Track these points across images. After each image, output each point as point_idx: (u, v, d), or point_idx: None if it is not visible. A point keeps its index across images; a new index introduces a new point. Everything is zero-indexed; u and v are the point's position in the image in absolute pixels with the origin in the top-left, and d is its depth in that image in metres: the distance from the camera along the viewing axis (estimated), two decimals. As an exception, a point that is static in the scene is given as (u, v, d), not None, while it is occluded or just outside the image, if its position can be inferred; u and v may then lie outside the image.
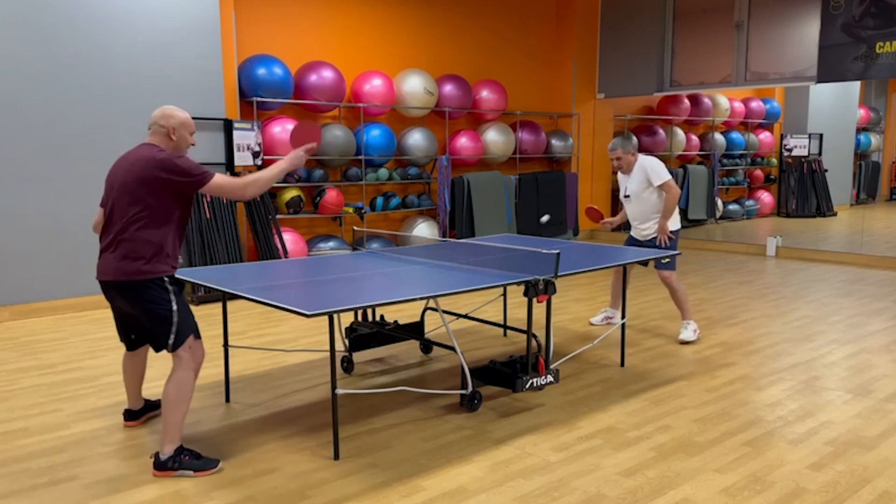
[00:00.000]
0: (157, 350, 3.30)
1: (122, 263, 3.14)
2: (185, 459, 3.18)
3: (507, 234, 7.24)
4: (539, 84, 10.75)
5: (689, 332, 5.37)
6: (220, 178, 3.26)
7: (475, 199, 9.22)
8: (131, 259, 3.14)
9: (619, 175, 5.52)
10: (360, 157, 8.24)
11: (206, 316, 6.22)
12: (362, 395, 4.17)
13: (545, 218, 5.45)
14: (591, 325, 5.96)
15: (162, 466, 3.16)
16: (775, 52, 9.25)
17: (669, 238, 5.32)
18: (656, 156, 10.91)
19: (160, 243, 3.18)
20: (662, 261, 5.17)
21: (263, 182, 3.35)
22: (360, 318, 4.73)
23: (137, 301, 3.19)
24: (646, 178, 5.25)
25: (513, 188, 9.74)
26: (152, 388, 4.32)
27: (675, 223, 5.38)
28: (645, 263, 5.01)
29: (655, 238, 5.36)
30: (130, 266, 3.14)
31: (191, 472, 3.16)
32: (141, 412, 3.80)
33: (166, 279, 3.22)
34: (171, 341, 3.21)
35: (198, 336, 3.31)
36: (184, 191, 3.21)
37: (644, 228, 5.40)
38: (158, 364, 4.80)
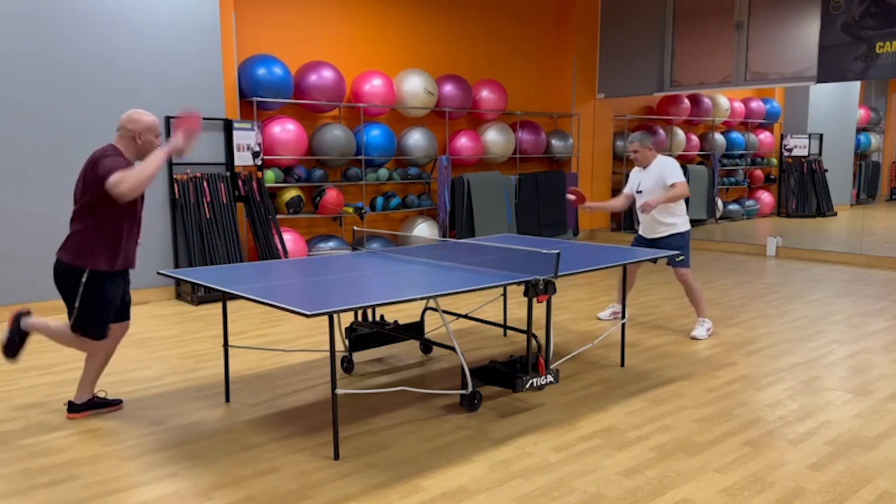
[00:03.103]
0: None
1: (70, 248, 3.59)
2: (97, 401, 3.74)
3: (507, 234, 7.24)
4: (539, 84, 10.74)
5: (702, 329, 5.45)
6: (113, 177, 3.41)
7: (475, 199, 9.22)
8: (78, 247, 3.57)
9: (634, 171, 5.58)
10: (360, 157, 8.24)
11: (206, 316, 6.22)
12: (362, 395, 4.17)
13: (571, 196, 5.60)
14: (599, 319, 6.05)
15: (75, 409, 3.76)
16: (775, 52, 9.25)
17: (677, 235, 5.40)
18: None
19: (93, 243, 3.54)
20: (676, 258, 5.21)
21: (136, 177, 3.42)
22: (360, 318, 4.73)
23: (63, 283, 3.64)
24: (661, 176, 5.30)
25: (513, 188, 9.74)
26: (152, 388, 4.32)
27: (684, 224, 5.45)
28: (654, 261, 5.04)
29: (666, 238, 5.41)
30: (75, 252, 3.58)
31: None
32: (84, 406, 3.90)
33: (86, 272, 3.56)
34: (70, 322, 3.66)
35: (91, 337, 3.70)
36: (100, 191, 3.46)
37: (654, 230, 5.44)
38: (157, 365, 4.80)
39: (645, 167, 5.43)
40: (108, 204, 3.49)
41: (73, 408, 3.85)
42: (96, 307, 3.62)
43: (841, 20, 8.39)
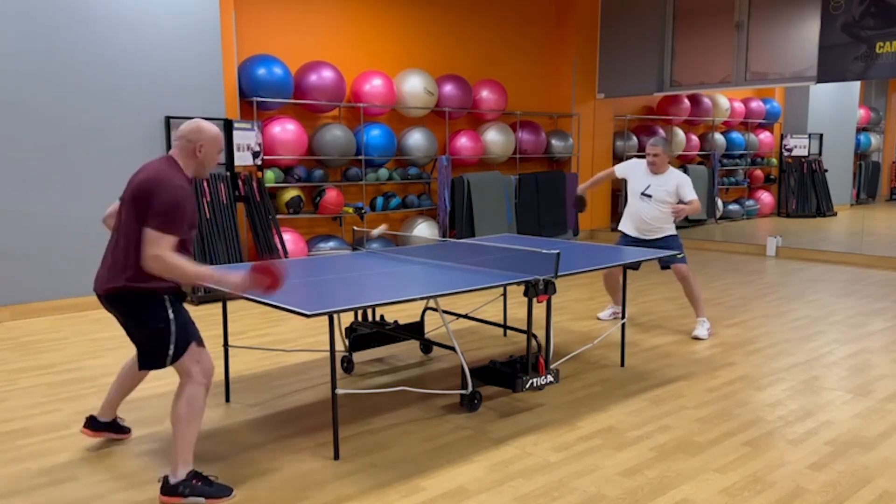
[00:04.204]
0: (144, 367, 3.04)
1: (112, 273, 2.93)
2: (197, 485, 2.93)
3: (507, 234, 7.24)
4: (539, 84, 10.74)
5: (702, 329, 5.48)
6: (153, 245, 2.78)
7: (475, 199, 9.22)
8: (120, 270, 2.91)
9: (640, 170, 5.54)
10: (360, 157, 8.24)
11: (206, 316, 6.22)
12: (362, 395, 4.17)
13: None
14: (599, 319, 6.07)
15: (171, 491, 2.91)
16: (775, 52, 9.25)
17: (673, 237, 5.54)
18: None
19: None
20: (677, 256, 5.25)
21: (175, 276, 2.84)
22: (360, 318, 4.72)
23: (129, 312, 2.97)
24: (676, 190, 5.38)
25: (513, 188, 9.74)
26: (152, 388, 4.32)
27: (674, 226, 5.58)
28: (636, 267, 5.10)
29: (664, 238, 5.49)
30: (119, 277, 2.91)
31: (202, 500, 2.91)
32: (104, 426, 3.48)
33: (161, 294, 2.95)
34: (170, 353, 2.96)
35: (201, 343, 3.06)
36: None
37: (652, 231, 5.51)
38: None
39: (657, 173, 5.45)
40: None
41: (92, 424, 3.45)
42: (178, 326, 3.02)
43: (841, 20, 8.38)
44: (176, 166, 3.00)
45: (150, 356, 3.01)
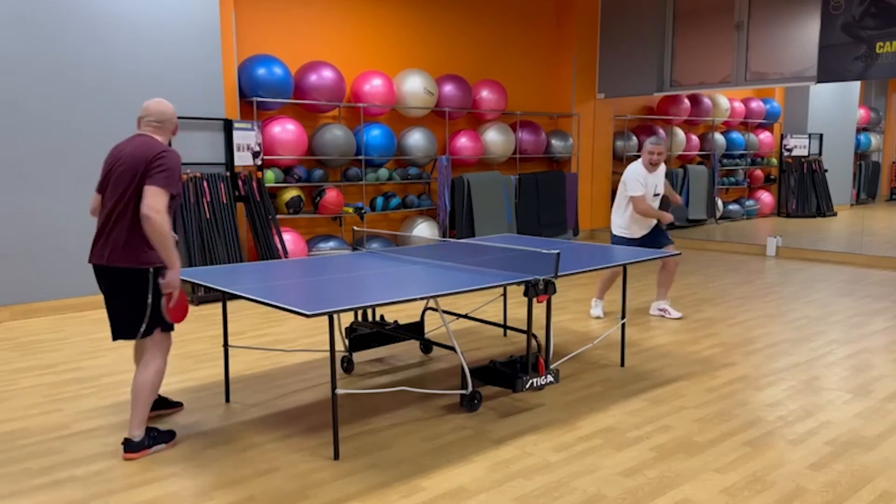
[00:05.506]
0: (116, 337, 3.39)
1: (114, 251, 3.26)
2: (155, 436, 3.39)
3: (507, 234, 7.24)
4: (539, 84, 10.74)
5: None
6: (160, 197, 3.17)
7: (475, 199, 9.22)
8: (120, 249, 3.25)
9: (650, 178, 5.72)
10: (360, 157, 8.24)
11: (206, 316, 6.22)
12: (362, 395, 4.17)
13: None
14: (596, 318, 6.08)
15: (138, 447, 3.32)
16: (775, 52, 9.25)
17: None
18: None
19: (144, 239, 3.28)
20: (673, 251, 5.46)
21: (161, 239, 3.17)
22: (360, 318, 4.73)
23: (120, 285, 3.31)
24: (664, 179, 5.87)
25: (513, 188, 9.74)
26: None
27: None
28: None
29: (657, 227, 5.91)
30: (122, 256, 3.25)
31: (163, 446, 3.39)
32: (153, 406, 3.77)
33: (151, 270, 3.31)
34: (142, 329, 3.33)
35: (166, 329, 3.41)
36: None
37: (651, 221, 5.86)
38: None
39: (655, 170, 5.76)
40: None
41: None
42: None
43: (841, 20, 8.38)
44: (160, 142, 3.38)
45: (125, 328, 3.37)
